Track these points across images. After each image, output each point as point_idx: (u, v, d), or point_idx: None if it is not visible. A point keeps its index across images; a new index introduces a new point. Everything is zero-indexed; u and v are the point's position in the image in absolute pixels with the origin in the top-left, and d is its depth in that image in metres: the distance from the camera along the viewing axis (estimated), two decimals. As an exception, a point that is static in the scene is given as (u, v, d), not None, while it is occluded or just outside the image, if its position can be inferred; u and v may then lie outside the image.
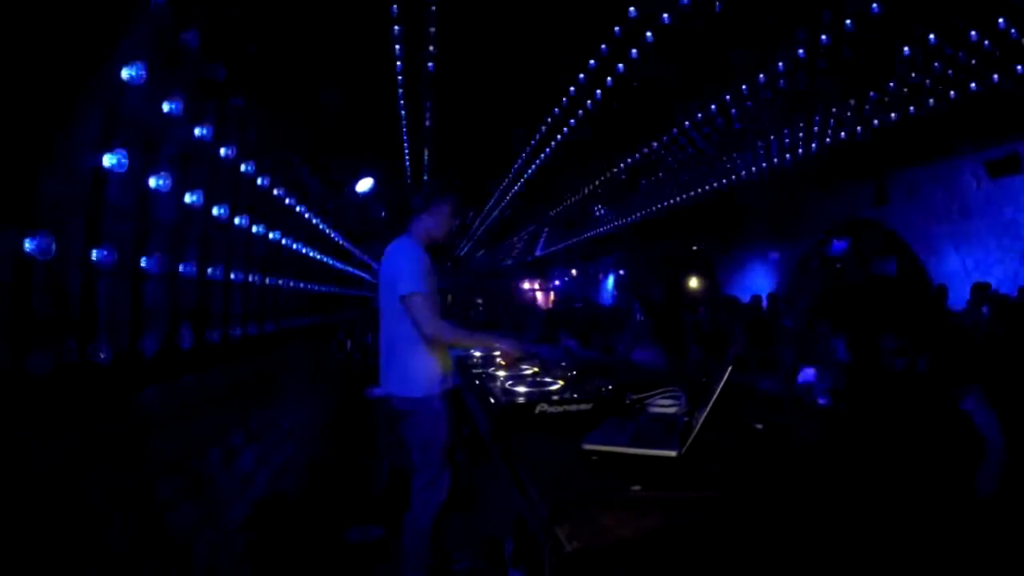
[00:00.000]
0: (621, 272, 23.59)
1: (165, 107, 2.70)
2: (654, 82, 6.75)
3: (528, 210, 14.83)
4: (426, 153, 9.02)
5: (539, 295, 29.03)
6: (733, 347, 6.30)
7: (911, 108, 7.84)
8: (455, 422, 3.55)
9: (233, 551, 3.75)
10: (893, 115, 8.12)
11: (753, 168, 11.19)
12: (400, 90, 6.44)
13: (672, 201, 14.36)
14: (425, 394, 3.30)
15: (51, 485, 2.00)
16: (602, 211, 15.71)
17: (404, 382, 3.32)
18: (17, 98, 1.82)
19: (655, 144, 9.10)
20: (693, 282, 19.52)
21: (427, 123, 7.68)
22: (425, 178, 10.32)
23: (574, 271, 26.89)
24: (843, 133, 8.99)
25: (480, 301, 21.88)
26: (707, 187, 12.64)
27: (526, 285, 29.03)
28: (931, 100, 7.49)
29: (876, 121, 8.44)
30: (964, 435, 2.64)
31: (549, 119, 8.07)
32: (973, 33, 5.69)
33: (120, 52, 2.30)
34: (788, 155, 10.27)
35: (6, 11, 1.74)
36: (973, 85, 6.93)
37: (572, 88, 7.10)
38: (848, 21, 5.44)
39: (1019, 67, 6.39)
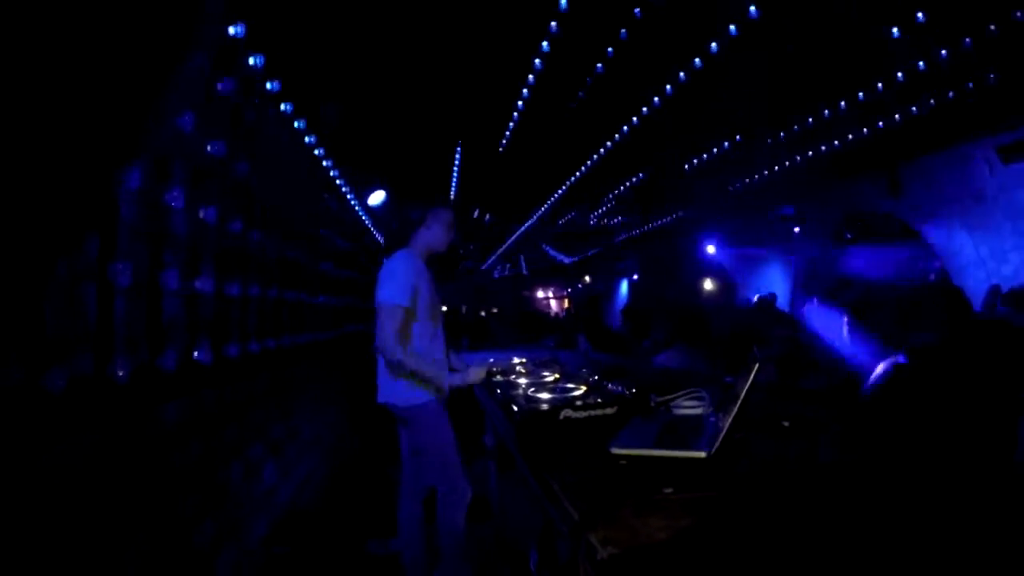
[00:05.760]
0: (635, 277, 23.44)
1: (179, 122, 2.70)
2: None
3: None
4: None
5: (553, 302, 28.96)
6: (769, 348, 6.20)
7: (925, 99, 7.74)
8: (473, 432, 3.51)
9: (256, 565, 3.73)
10: (911, 108, 8.02)
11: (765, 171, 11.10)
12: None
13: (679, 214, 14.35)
14: (422, 401, 3.29)
15: (73, 503, 1.99)
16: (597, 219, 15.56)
17: (397, 389, 3.31)
18: (36, 117, 1.82)
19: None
20: (708, 284, 19.34)
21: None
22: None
23: (587, 277, 26.80)
24: (855, 129, 8.91)
25: (464, 307, 21.64)
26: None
27: (540, 293, 28.98)
28: (945, 89, 7.39)
29: (896, 116, 8.34)
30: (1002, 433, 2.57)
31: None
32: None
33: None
34: (798, 156, 10.17)
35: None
36: (986, 72, 6.84)
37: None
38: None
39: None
